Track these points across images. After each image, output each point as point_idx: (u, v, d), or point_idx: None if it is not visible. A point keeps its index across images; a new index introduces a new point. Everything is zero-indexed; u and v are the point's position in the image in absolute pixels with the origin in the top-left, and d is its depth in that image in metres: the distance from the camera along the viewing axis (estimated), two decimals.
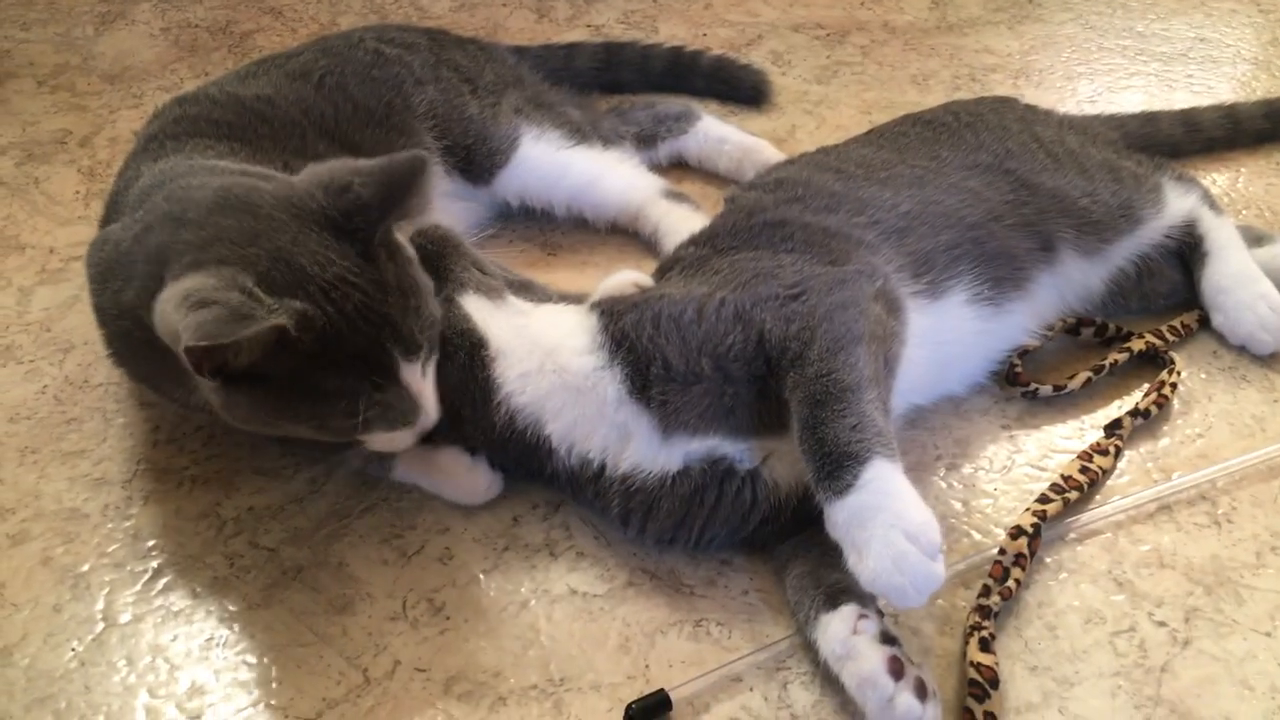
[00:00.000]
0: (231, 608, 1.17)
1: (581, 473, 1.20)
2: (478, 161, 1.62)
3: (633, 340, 1.16)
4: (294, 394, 1.07)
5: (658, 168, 1.79)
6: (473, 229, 1.64)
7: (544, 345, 1.21)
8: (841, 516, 1.00)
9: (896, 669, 0.99)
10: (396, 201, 1.10)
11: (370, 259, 1.09)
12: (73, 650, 1.14)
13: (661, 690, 1.05)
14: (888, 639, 1.02)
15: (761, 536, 1.18)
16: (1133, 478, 1.27)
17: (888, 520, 0.97)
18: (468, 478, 1.25)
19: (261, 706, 1.07)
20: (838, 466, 1.01)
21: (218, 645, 1.13)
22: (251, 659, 1.12)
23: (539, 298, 1.31)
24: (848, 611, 1.04)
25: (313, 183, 1.11)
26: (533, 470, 1.23)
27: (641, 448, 1.17)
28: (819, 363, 1.08)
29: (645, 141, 1.81)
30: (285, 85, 1.53)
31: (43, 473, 1.34)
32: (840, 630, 1.03)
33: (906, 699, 0.98)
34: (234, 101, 1.47)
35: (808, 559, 1.12)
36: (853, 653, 1.01)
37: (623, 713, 1.04)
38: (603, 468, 1.19)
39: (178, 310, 1.01)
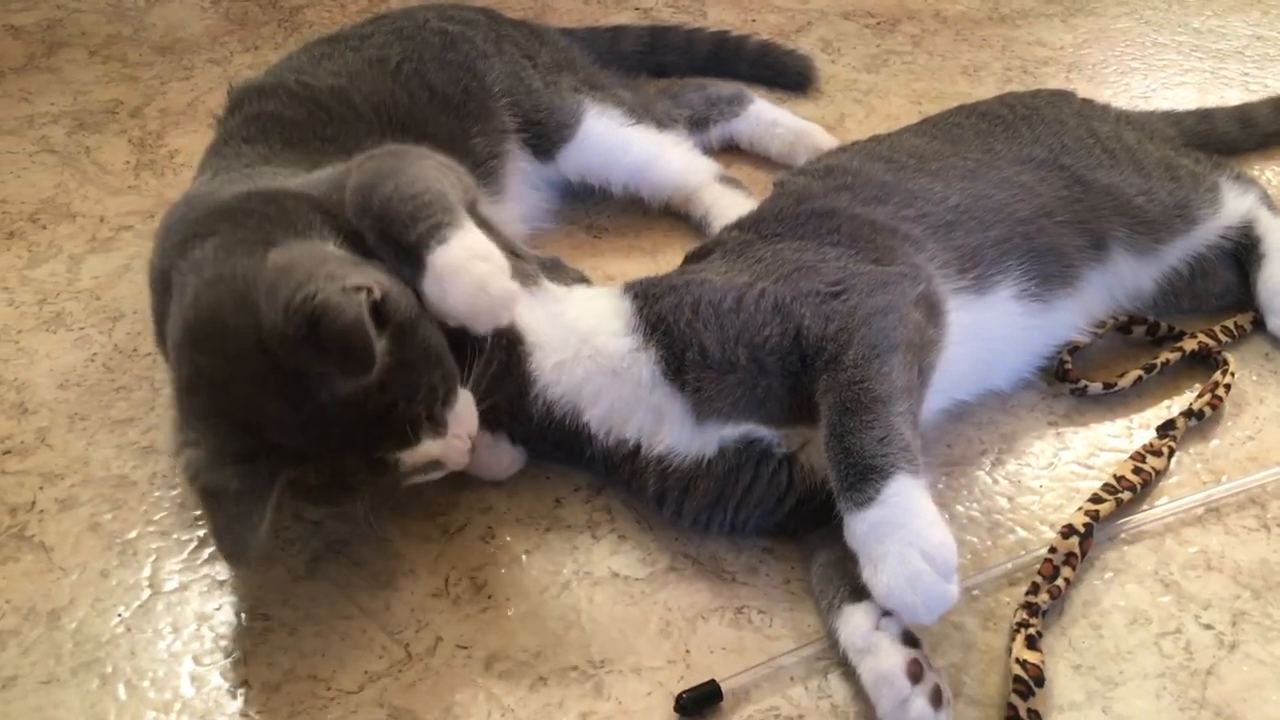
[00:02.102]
0: (276, 580, 1.18)
1: (617, 452, 1.20)
2: (546, 136, 1.62)
3: (669, 324, 1.16)
4: (319, 496, 1.13)
5: (709, 150, 1.79)
6: (543, 215, 1.66)
7: (580, 331, 1.21)
8: (860, 529, 1.00)
9: (915, 672, 0.98)
10: (358, 370, 1.01)
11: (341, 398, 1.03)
12: (119, 616, 1.15)
13: (712, 681, 1.05)
14: (910, 640, 1.01)
15: (796, 520, 1.17)
16: (1181, 479, 1.26)
17: (906, 538, 0.97)
18: (490, 455, 1.25)
19: (305, 678, 1.08)
20: (861, 479, 1.01)
21: (262, 616, 1.14)
22: (295, 630, 1.13)
23: (569, 279, 1.31)
24: (871, 606, 1.03)
25: (277, 305, 0.99)
26: (571, 455, 1.24)
27: (675, 431, 1.17)
28: (853, 369, 1.07)
29: (697, 125, 1.80)
30: (362, 73, 1.52)
31: (91, 439, 1.35)
32: (863, 624, 1.03)
33: (921, 704, 0.97)
34: (308, 96, 1.46)
35: (835, 548, 1.11)
36: (873, 648, 1.01)
37: (672, 702, 1.04)
38: (638, 448, 1.19)
39: (191, 488, 1.06)
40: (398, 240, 1.13)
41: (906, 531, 0.98)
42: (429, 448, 1.09)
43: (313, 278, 1.00)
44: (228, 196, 1.22)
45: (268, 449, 1.03)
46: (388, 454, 1.07)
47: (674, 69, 1.99)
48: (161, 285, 1.20)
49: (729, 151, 1.84)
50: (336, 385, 1.02)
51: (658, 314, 1.18)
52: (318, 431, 1.03)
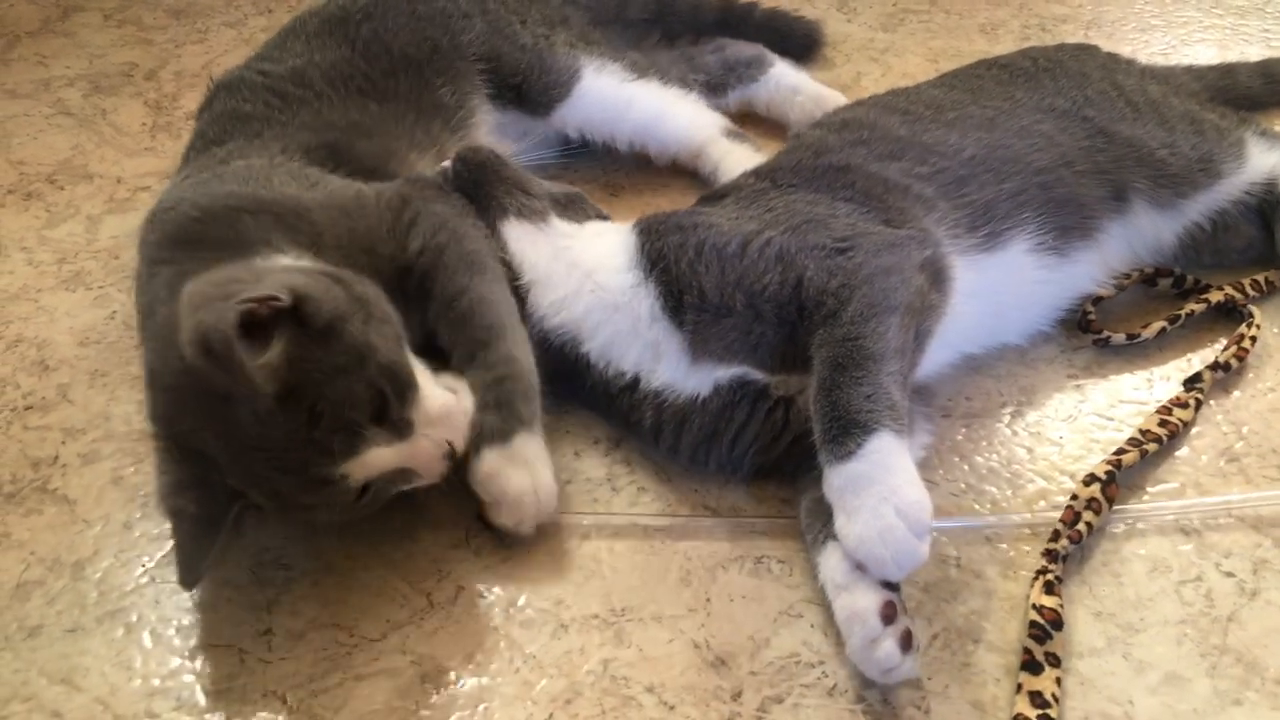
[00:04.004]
0: (297, 530, 1.18)
1: (615, 384, 1.22)
2: (532, 96, 1.61)
3: (670, 262, 1.18)
4: (278, 516, 1.14)
5: (725, 115, 1.74)
6: (529, 159, 1.64)
7: (585, 266, 1.24)
8: (838, 481, 1.01)
9: (889, 614, 0.98)
10: (247, 383, 0.97)
11: (255, 409, 1.00)
12: (143, 566, 1.16)
13: None
14: (889, 583, 1.01)
15: (794, 458, 1.17)
16: (1202, 429, 1.25)
17: (881, 493, 0.98)
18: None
19: (329, 626, 1.09)
20: (844, 433, 1.01)
21: (285, 566, 1.15)
22: (317, 580, 1.14)
23: (585, 214, 1.33)
24: None
25: (185, 339, 0.96)
26: (570, 387, 1.26)
27: (670, 368, 1.19)
28: (850, 325, 1.08)
29: (714, 89, 1.77)
30: (322, 44, 1.51)
31: (112, 395, 1.36)
32: (845, 561, 1.03)
33: (889, 646, 0.97)
34: (266, 85, 1.46)
35: None
36: (851, 586, 1.01)
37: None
38: (636, 381, 1.21)
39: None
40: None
41: (883, 487, 0.98)
42: (379, 456, 1.04)
43: (208, 301, 0.97)
44: (187, 215, 1.21)
45: (220, 477, 1.04)
46: (326, 470, 1.02)
47: (680, 36, 1.95)
48: (140, 306, 1.24)
49: (741, 115, 1.80)
50: (255, 403, 0.99)
51: (659, 250, 1.20)
52: (247, 458, 1.02)
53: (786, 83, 1.80)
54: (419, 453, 1.07)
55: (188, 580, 1.05)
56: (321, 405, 1.00)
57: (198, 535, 1.04)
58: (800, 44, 1.97)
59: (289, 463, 1.02)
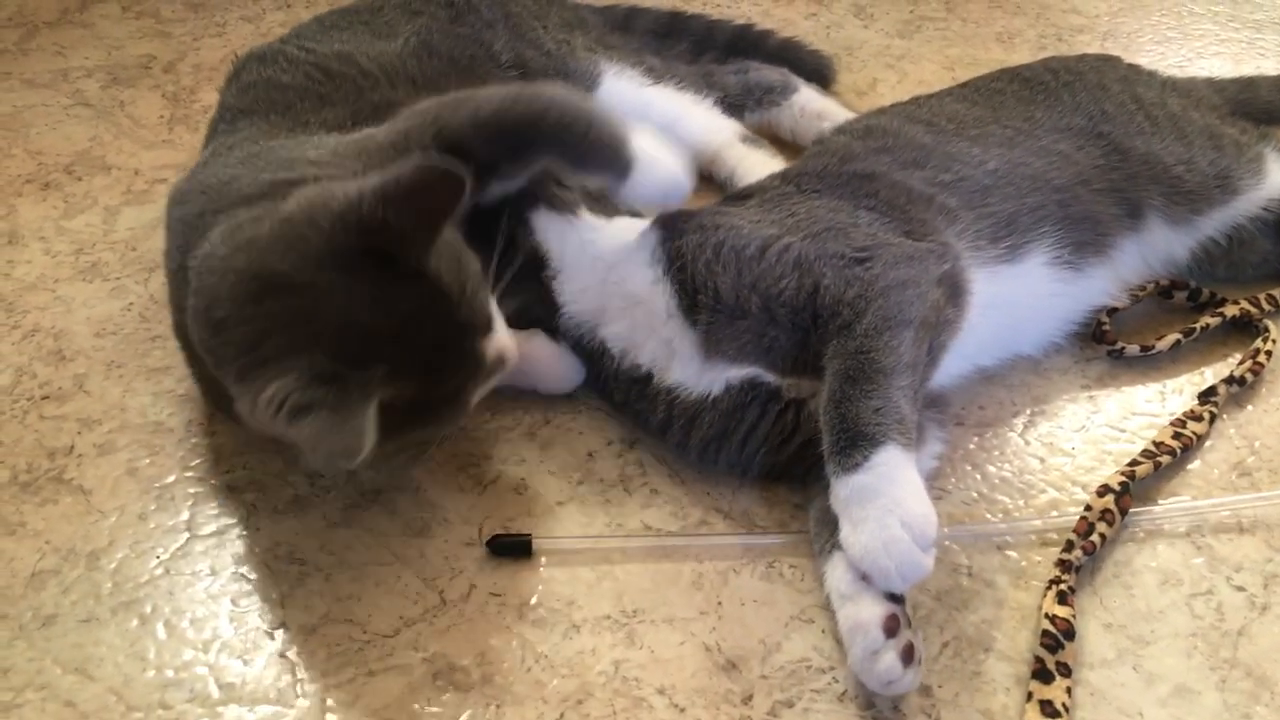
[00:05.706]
0: (312, 526, 1.19)
1: (630, 375, 1.24)
2: None
3: (687, 261, 1.19)
4: (405, 422, 1.05)
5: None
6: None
7: (608, 260, 1.26)
8: (844, 493, 1.01)
9: (892, 627, 0.98)
10: (438, 220, 1.00)
11: (424, 274, 1.01)
12: (158, 558, 1.16)
13: (528, 536, 1.15)
14: (894, 595, 1.01)
15: (804, 461, 1.17)
16: (1215, 443, 1.26)
17: (886, 505, 0.98)
18: (555, 365, 1.29)
19: (341, 621, 1.09)
20: (851, 445, 1.02)
21: (298, 561, 1.15)
22: (331, 575, 1.14)
23: (616, 208, 1.34)
24: None
25: (334, 217, 0.98)
26: (589, 376, 1.29)
27: (683, 366, 1.20)
28: (863, 338, 1.08)
29: (730, 109, 1.72)
30: (368, 42, 1.50)
31: (128, 387, 1.36)
32: (851, 572, 1.03)
33: (890, 659, 0.97)
34: (310, 61, 1.43)
35: None
36: (856, 597, 1.02)
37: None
38: (650, 375, 1.22)
39: (276, 422, 0.96)
40: None
41: (888, 499, 0.98)
42: (500, 338, 1.10)
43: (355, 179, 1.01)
44: (246, 186, 1.15)
45: (360, 366, 0.97)
46: (474, 341, 1.06)
47: (705, 53, 1.90)
48: (181, 277, 1.15)
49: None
50: (419, 272, 1.01)
51: (677, 249, 1.21)
52: (410, 328, 1.01)
53: (812, 108, 1.76)
54: (506, 338, 1.11)
55: (350, 453, 0.95)
56: (466, 278, 1.05)
57: (343, 420, 0.95)
58: (809, 77, 1.88)
59: (447, 332, 1.04)
